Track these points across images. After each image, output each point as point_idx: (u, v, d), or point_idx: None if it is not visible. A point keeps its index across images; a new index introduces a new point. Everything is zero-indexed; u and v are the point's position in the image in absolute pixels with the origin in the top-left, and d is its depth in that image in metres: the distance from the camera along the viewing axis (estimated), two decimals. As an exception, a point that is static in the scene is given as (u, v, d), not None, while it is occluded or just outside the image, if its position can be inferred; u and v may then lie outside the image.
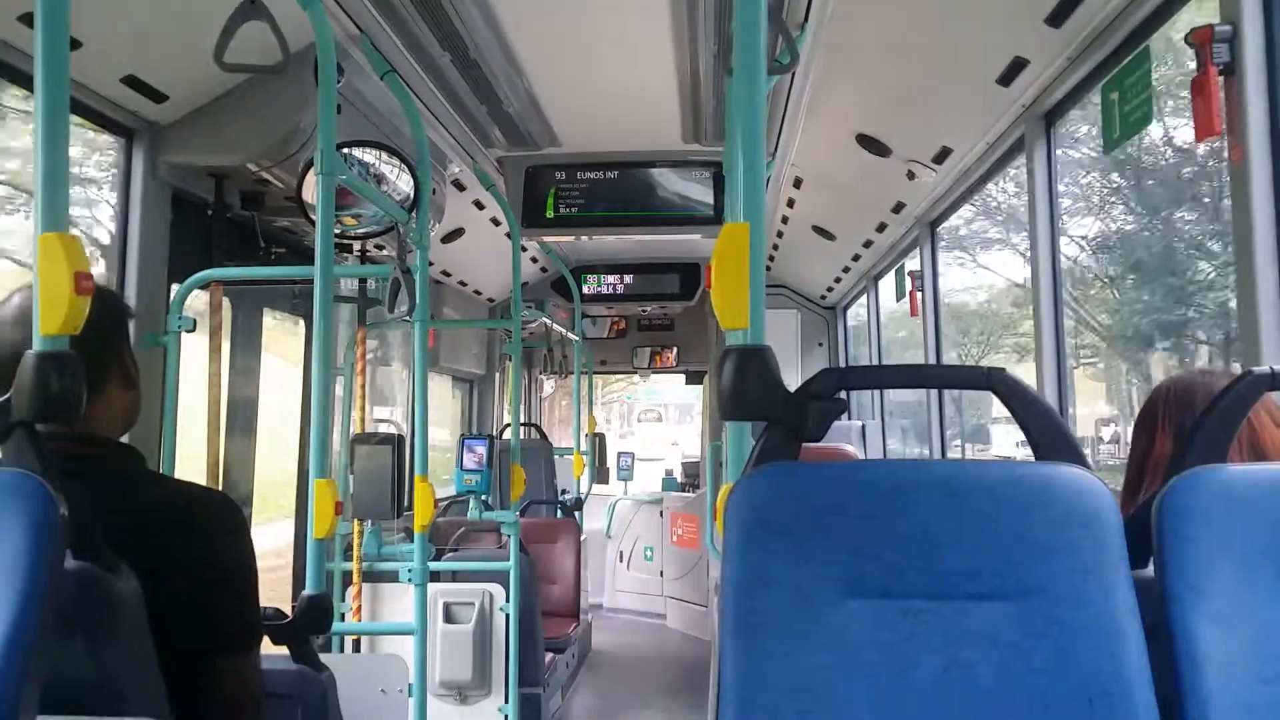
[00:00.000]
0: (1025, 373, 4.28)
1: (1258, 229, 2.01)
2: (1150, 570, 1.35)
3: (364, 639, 4.54)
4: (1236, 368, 2.35)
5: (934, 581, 1.30)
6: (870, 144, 4.19)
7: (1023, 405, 1.42)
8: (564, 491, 7.88)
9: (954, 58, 3.26)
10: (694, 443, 12.43)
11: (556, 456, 7.88)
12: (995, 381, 1.44)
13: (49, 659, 1.24)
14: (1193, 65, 2.10)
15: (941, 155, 3.89)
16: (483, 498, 5.04)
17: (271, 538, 5.17)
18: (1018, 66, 2.98)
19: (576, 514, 7.21)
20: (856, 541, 1.31)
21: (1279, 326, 1.99)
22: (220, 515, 1.62)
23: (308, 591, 2.23)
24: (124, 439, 1.70)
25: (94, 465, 1.55)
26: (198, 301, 3.52)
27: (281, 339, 5.16)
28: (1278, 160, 2.00)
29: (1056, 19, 2.65)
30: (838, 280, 6.92)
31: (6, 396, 1.35)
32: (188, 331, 3.34)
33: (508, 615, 4.45)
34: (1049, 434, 1.41)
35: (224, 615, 1.58)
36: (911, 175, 4.19)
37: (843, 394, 1.42)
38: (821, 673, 1.27)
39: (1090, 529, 1.30)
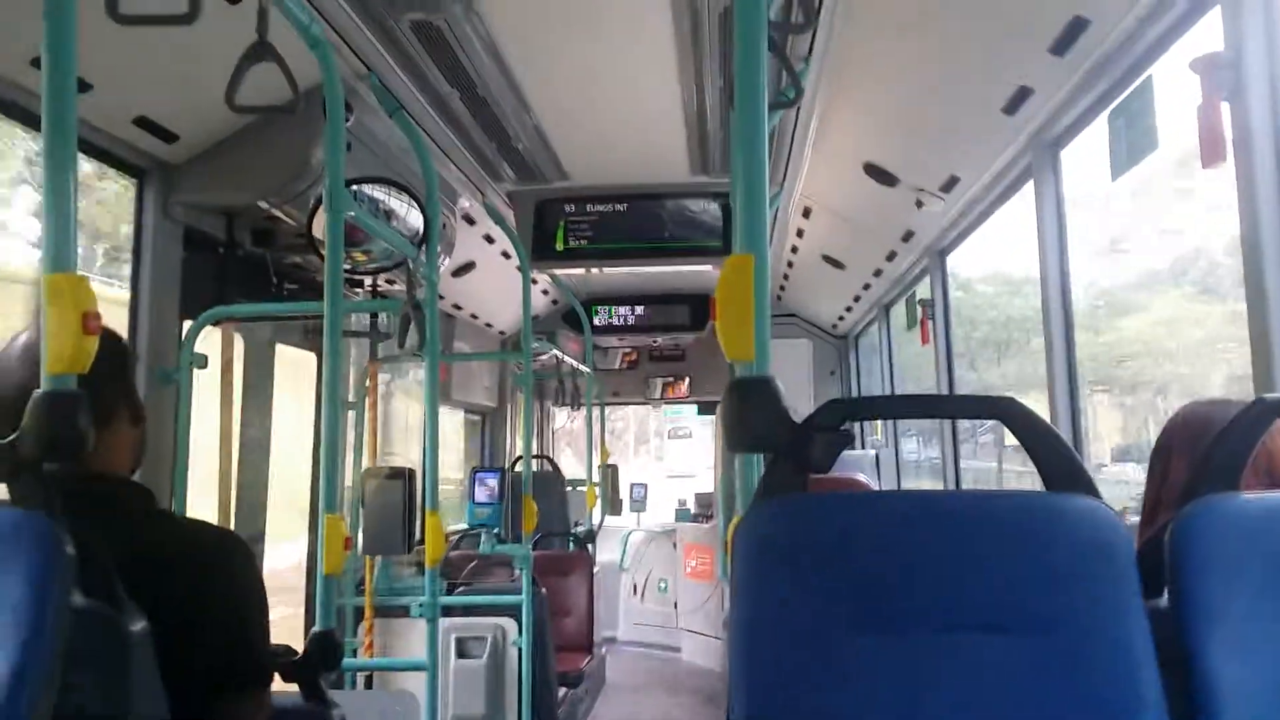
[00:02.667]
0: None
1: (1266, 254, 2.00)
2: (1165, 601, 1.33)
3: (376, 675, 4.51)
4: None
5: (945, 615, 1.27)
6: (878, 173, 4.19)
7: (1032, 435, 1.39)
8: (577, 523, 7.85)
9: (958, 87, 3.27)
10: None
11: (569, 488, 7.85)
12: (1004, 411, 1.42)
13: (56, 698, 1.24)
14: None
15: (949, 184, 3.89)
16: (495, 531, 5.03)
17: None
18: (1023, 95, 2.98)
19: (589, 546, 7.17)
20: (866, 575, 1.29)
21: (1291, 352, 1.97)
22: (229, 554, 1.61)
23: (317, 628, 2.21)
24: (136, 475, 1.70)
25: (102, 503, 1.55)
26: (211, 337, 3.54)
27: (295, 373, 5.17)
28: (1285, 185, 1.99)
29: (1060, 47, 2.64)
30: (849, 309, 6.91)
31: (14, 436, 1.36)
32: (200, 368, 3.36)
33: (520, 649, 4.42)
34: (1060, 464, 1.38)
35: (233, 653, 1.57)
36: (920, 204, 4.18)
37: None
38: (833, 708, 1.25)
39: (1104, 561, 1.28)
